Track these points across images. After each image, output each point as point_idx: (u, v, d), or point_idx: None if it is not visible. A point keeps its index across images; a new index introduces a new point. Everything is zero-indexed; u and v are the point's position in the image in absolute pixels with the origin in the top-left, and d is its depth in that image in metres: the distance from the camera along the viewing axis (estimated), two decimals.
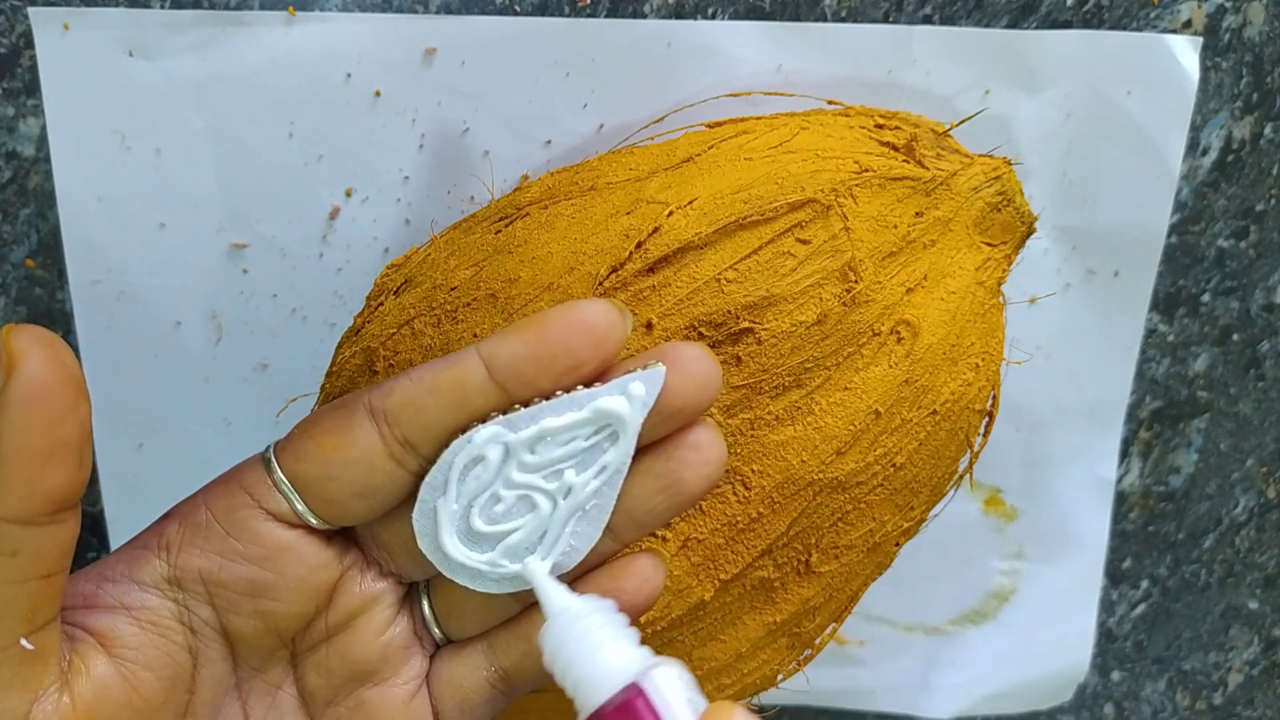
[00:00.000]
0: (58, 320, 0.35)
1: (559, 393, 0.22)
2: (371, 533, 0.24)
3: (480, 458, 0.22)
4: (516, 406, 0.22)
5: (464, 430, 0.22)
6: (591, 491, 0.22)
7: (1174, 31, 0.35)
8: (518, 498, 0.23)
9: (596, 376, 0.22)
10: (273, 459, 0.23)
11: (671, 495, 0.23)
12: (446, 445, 0.22)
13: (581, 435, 0.22)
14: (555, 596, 0.22)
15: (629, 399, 0.22)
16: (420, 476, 0.23)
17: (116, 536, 0.37)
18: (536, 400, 0.22)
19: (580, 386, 0.22)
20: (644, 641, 0.28)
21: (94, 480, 0.37)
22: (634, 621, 0.23)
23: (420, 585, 0.25)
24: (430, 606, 0.25)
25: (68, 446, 0.19)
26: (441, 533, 0.23)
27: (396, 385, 0.22)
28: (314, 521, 0.23)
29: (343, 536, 0.24)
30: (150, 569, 0.23)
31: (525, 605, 0.25)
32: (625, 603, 0.23)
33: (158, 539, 0.23)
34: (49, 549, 0.20)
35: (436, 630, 0.25)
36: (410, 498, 0.23)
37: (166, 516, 0.24)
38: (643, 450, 0.23)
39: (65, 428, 0.19)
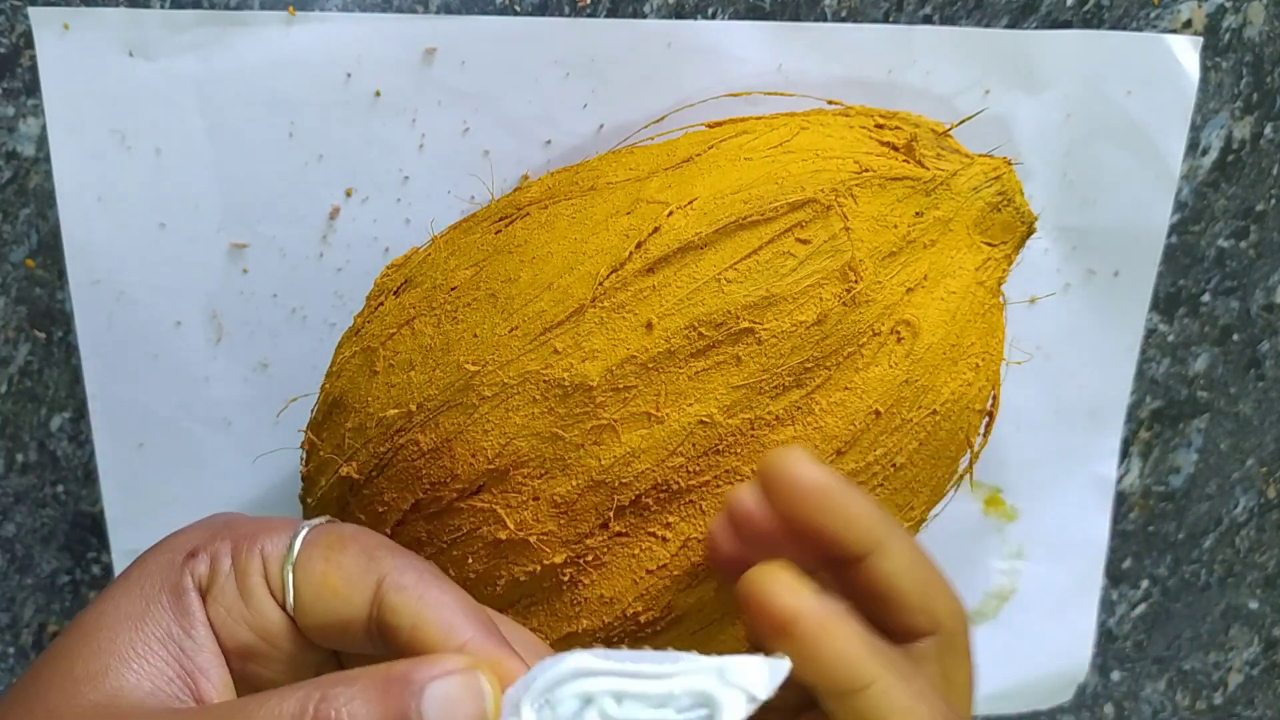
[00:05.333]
0: (58, 320, 0.35)
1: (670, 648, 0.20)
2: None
3: (564, 685, 0.20)
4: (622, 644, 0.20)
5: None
6: None
7: (1174, 31, 0.35)
8: None
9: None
10: (296, 548, 0.23)
11: None
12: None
13: (674, 706, 0.19)
14: None
15: (740, 689, 0.19)
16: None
17: (116, 536, 0.37)
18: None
19: (694, 649, 0.20)
20: (645, 642, 0.28)
21: (94, 480, 0.37)
22: None
23: None
24: None
25: None
26: None
27: (424, 584, 0.22)
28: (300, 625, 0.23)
29: None
30: (202, 623, 0.23)
31: None
32: None
33: (190, 575, 0.23)
34: None
35: None
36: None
37: (193, 555, 0.23)
38: None
39: None
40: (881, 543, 0.23)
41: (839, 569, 0.24)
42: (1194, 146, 0.37)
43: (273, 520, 0.24)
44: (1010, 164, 0.30)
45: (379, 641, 0.22)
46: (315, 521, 0.24)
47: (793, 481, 0.23)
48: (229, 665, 0.23)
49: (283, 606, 0.23)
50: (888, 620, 0.23)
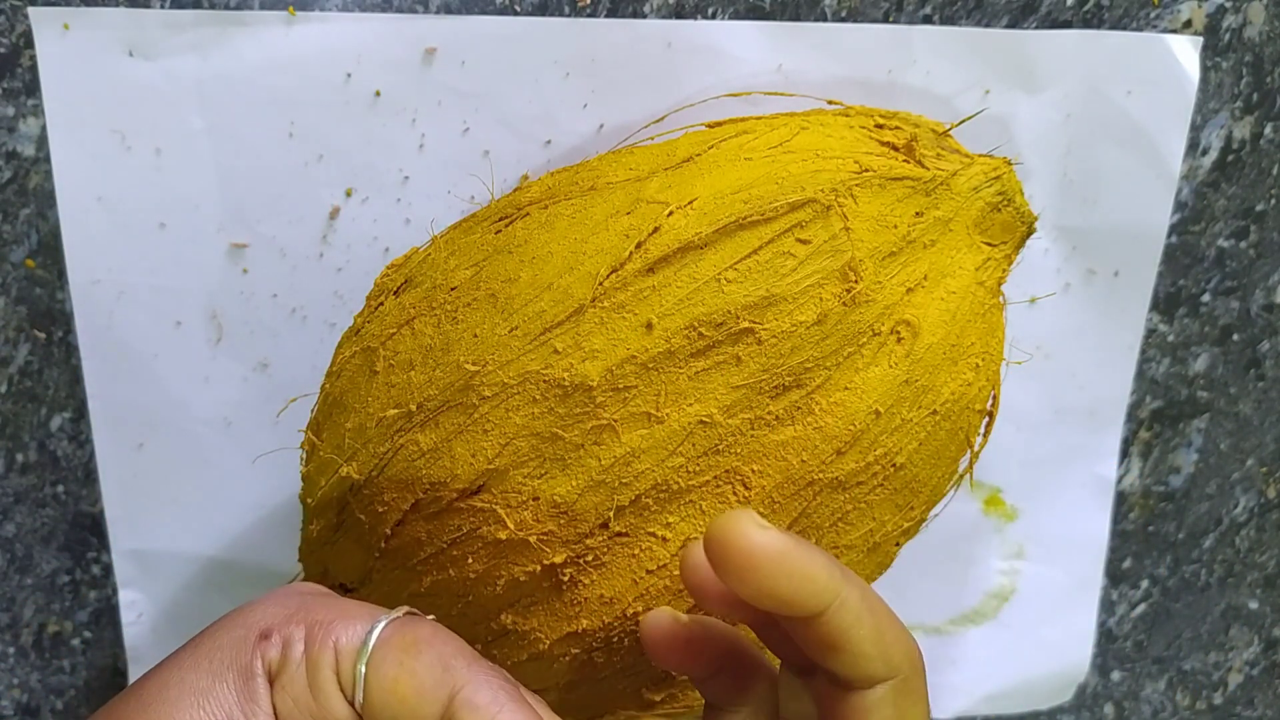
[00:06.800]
0: (58, 320, 0.35)
1: None
2: None
3: None
4: None
5: None
6: None
7: (1174, 31, 0.35)
8: None
9: None
10: (370, 644, 0.22)
11: None
12: None
13: None
14: None
15: None
16: None
17: (116, 536, 0.37)
18: None
19: None
20: None
21: (94, 480, 0.37)
22: None
23: None
24: None
25: None
26: None
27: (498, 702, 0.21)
28: None
29: None
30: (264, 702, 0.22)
31: None
32: None
33: (261, 659, 0.23)
34: None
35: None
36: None
37: (266, 637, 0.23)
38: None
39: None
40: (838, 595, 0.22)
41: (790, 623, 0.23)
42: (1194, 146, 0.37)
43: (350, 606, 0.24)
44: (1010, 164, 0.30)
45: None
46: (394, 614, 0.23)
47: (745, 551, 0.21)
48: None
49: (351, 704, 0.22)
50: (842, 668, 0.22)
